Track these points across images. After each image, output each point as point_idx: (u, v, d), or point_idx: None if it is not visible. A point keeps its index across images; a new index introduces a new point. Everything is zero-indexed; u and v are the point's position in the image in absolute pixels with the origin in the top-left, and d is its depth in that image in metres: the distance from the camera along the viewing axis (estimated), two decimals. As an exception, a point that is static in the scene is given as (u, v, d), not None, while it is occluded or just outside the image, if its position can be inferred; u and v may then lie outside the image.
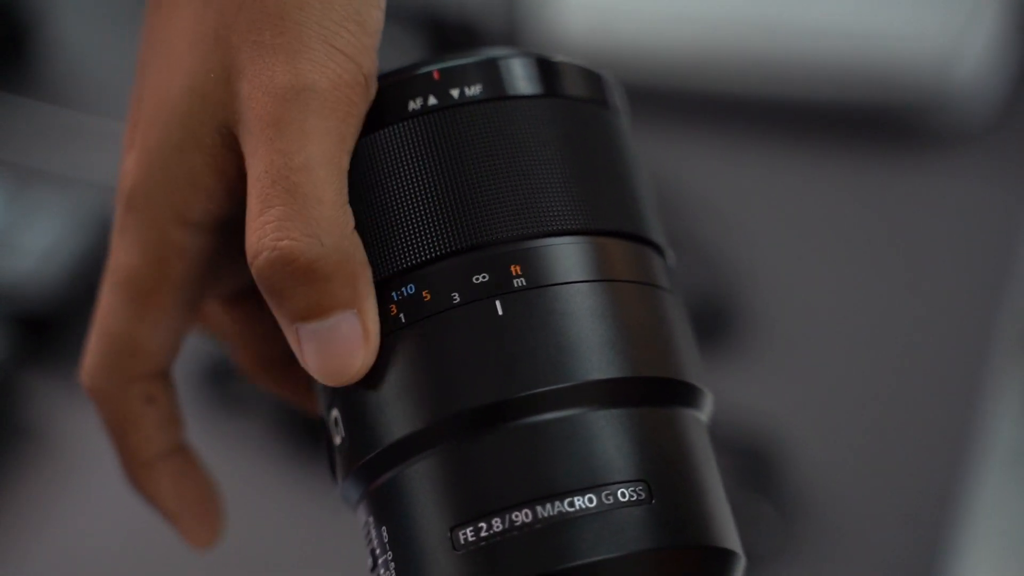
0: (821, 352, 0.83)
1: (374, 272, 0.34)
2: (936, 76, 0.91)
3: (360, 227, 0.34)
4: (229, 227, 0.37)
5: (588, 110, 0.36)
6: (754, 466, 0.74)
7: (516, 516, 0.32)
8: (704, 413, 0.35)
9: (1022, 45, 0.97)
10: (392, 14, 0.97)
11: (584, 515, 0.32)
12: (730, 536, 0.34)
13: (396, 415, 0.33)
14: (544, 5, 0.93)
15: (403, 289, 0.34)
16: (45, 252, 0.83)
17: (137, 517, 0.77)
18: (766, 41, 0.93)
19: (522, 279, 0.33)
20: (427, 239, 0.34)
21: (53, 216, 0.85)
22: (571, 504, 0.32)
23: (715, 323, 0.82)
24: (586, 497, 0.32)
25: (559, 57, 0.37)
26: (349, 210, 0.34)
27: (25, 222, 0.84)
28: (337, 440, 0.35)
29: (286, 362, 0.40)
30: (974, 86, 0.92)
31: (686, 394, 0.35)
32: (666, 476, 0.33)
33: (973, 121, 0.93)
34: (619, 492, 0.32)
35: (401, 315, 0.34)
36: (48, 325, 0.83)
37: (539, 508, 0.32)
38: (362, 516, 0.35)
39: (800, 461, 0.75)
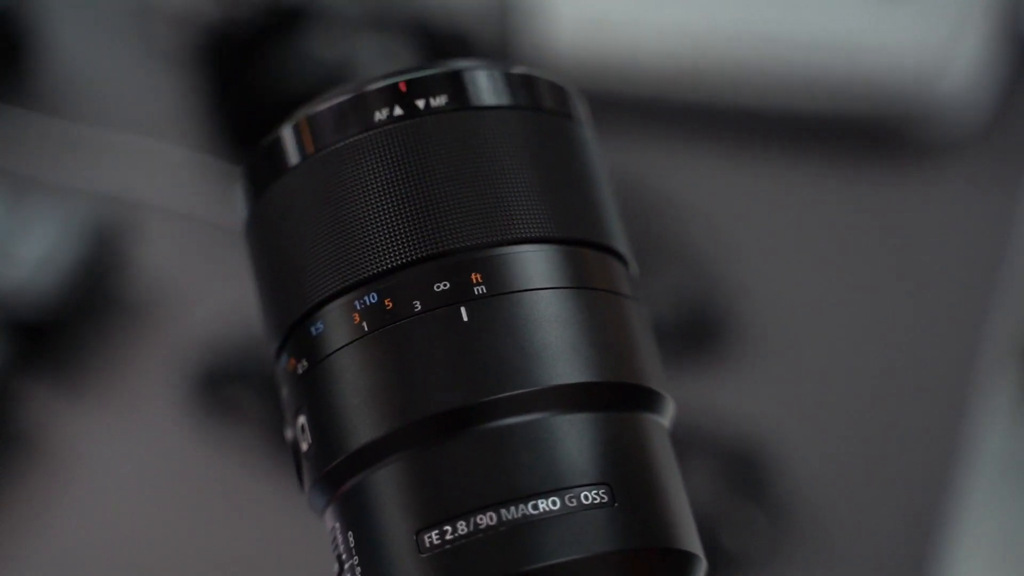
0: (811, 359, 0.83)
1: (341, 279, 0.35)
2: (924, 87, 0.92)
3: (324, 236, 0.35)
4: None
5: (553, 121, 0.37)
6: (744, 472, 0.74)
7: (481, 519, 0.32)
8: (666, 418, 0.36)
9: (1009, 56, 0.97)
10: (384, 24, 0.98)
11: (548, 518, 0.32)
12: (691, 539, 0.34)
13: (361, 421, 0.34)
14: (535, 15, 0.94)
15: (366, 298, 0.34)
16: (41, 260, 0.83)
17: (133, 524, 0.77)
18: (756, 53, 0.94)
19: (483, 287, 0.34)
20: (389, 248, 0.34)
21: (49, 225, 0.85)
22: (535, 507, 0.32)
23: (706, 330, 0.83)
24: (550, 500, 0.32)
25: (524, 69, 0.37)
26: None
27: (22, 231, 0.85)
28: (304, 447, 0.35)
29: None
30: (962, 97, 0.93)
31: (649, 399, 0.35)
32: (628, 479, 0.33)
33: (961, 132, 0.94)
34: (582, 495, 0.32)
35: (364, 323, 0.34)
36: (44, 333, 0.83)
37: (503, 511, 0.32)
38: (329, 522, 0.35)
39: (790, 467, 0.76)
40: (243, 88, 0.91)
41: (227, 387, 0.80)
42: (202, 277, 0.88)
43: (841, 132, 0.94)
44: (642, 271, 0.38)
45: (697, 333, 0.82)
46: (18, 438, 0.80)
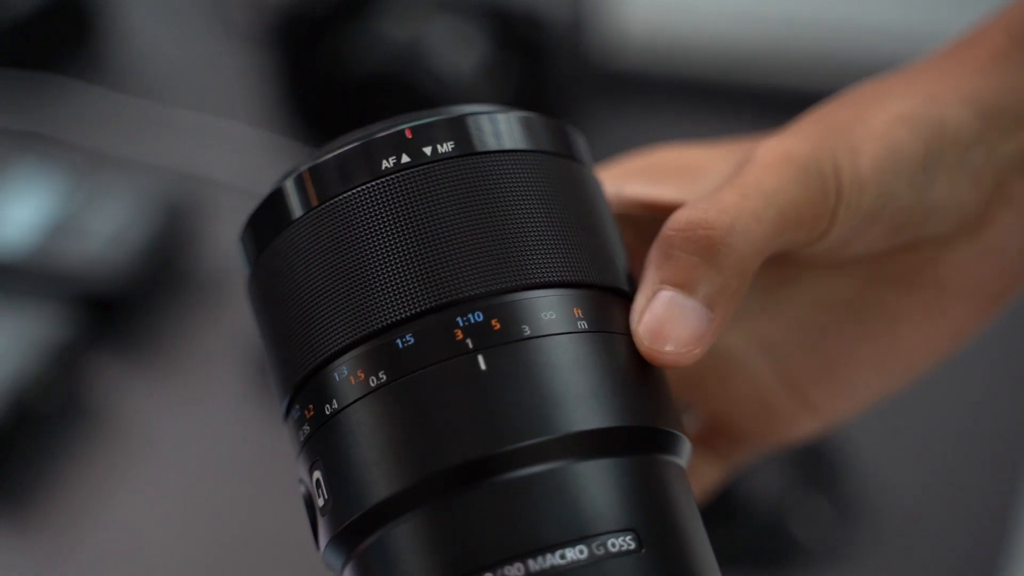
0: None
1: (353, 331, 0.34)
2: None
3: (336, 286, 0.35)
4: None
5: (559, 164, 0.36)
6: (811, 463, 0.74)
7: (508, 570, 0.32)
8: (684, 459, 0.36)
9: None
10: (456, 5, 0.97)
11: (576, 567, 0.32)
12: None
13: (380, 474, 0.33)
14: (609, -2, 0.94)
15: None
16: (113, 235, 0.84)
17: (197, 498, 0.78)
18: (828, 38, 0.93)
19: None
20: (403, 297, 0.34)
21: (121, 201, 0.86)
22: (563, 556, 0.32)
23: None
24: (576, 549, 0.32)
25: (527, 113, 0.37)
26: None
27: (94, 206, 0.85)
28: (320, 503, 0.35)
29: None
30: None
31: (668, 442, 0.35)
32: (654, 524, 0.33)
33: None
34: (609, 542, 0.32)
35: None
36: (115, 307, 0.84)
37: (531, 562, 0.32)
38: None
39: (859, 458, 0.75)
40: (314, 68, 0.91)
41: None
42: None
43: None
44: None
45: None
46: (88, 411, 0.81)
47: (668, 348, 0.34)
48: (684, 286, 0.35)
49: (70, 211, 0.85)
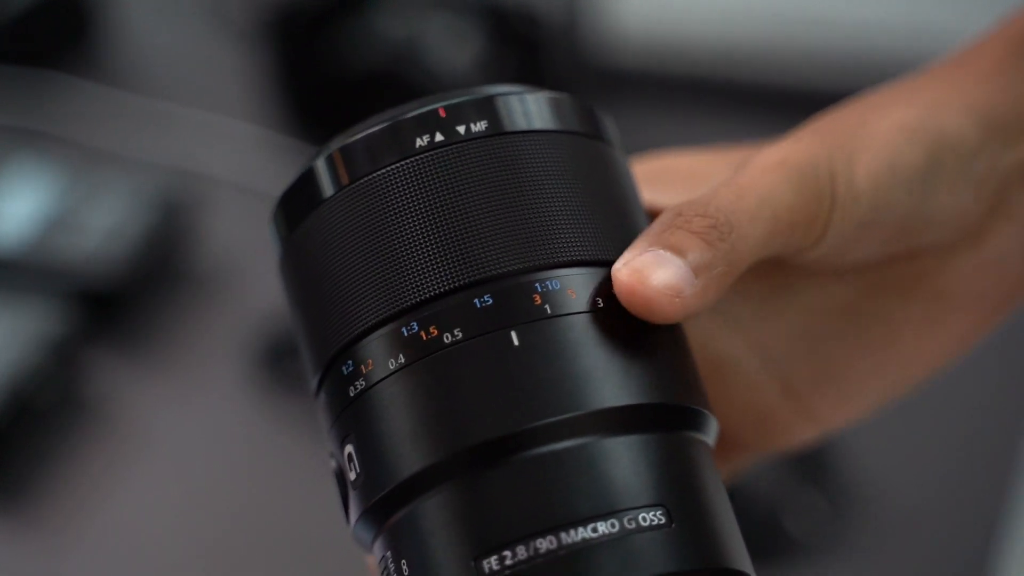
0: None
1: (386, 307, 0.35)
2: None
3: (372, 262, 0.35)
4: None
5: (589, 144, 0.37)
6: (805, 457, 0.74)
7: (540, 543, 0.32)
8: (710, 437, 0.36)
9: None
10: (452, 2, 0.97)
11: (607, 540, 0.32)
12: (744, 559, 0.35)
13: (413, 448, 0.34)
14: (605, -5, 0.94)
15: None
16: (110, 231, 0.84)
17: (195, 492, 0.78)
18: (829, 34, 0.93)
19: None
20: (439, 273, 0.34)
21: (118, 197, 0.86)
22: (594, 530, 0.32)
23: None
24: (608, 522, 0.32)
25: (557, 94, 0.38)
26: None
27: (91, 202, 0.86)
28: (352, 476, 0.35)
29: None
30: None
31: (695, 419, 0.35)
32: (683, 500, 0.33)
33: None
34: (640, 517, 0.33)
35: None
36: (112, 303, 0.84)
37: (563, 535, 0.32)
38: (379, 551, 0.35)
39: (851, 452, 0.75)
40: (311, 65, 0.91)
41: (289, 360, 0.81)
42: (267, 251, 0.88)
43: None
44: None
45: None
46: (85, 406, 0.81)
47: (651, 283, 0.34)
48: (674, 249, 0.35)
49: (67, 207, 0.85)
